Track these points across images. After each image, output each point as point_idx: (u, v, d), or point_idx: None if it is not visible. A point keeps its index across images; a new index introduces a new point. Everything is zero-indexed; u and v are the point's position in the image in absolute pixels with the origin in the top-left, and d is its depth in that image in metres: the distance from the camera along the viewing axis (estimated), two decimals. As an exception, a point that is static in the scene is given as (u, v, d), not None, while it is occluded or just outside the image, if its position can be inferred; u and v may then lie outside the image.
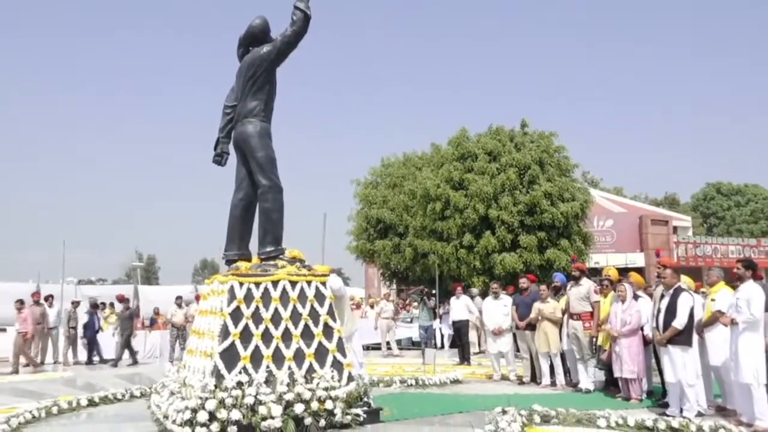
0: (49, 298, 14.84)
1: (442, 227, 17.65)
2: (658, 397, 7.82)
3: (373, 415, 6.11)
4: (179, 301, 15.20)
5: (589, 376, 8.78)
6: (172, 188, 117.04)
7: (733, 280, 6.81)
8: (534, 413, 6.11)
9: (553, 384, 9.26)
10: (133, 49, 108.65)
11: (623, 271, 19.30)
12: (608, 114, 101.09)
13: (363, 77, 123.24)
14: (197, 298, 15.69)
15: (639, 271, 21.06)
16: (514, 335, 10.10)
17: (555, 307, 9.37)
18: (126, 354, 14.33)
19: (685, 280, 7.55)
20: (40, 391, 9.33)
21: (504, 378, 10.13)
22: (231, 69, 7.11)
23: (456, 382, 9.65)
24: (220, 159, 7.12)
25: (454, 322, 13.37)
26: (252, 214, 6.95)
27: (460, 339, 13.21)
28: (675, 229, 24.13)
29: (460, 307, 13.34)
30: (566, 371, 9.41)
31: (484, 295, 16.18)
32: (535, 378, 9.65)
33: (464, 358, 12.83)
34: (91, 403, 7.73)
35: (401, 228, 20.56)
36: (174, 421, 5.43)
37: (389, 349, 15.12)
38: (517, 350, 10.16)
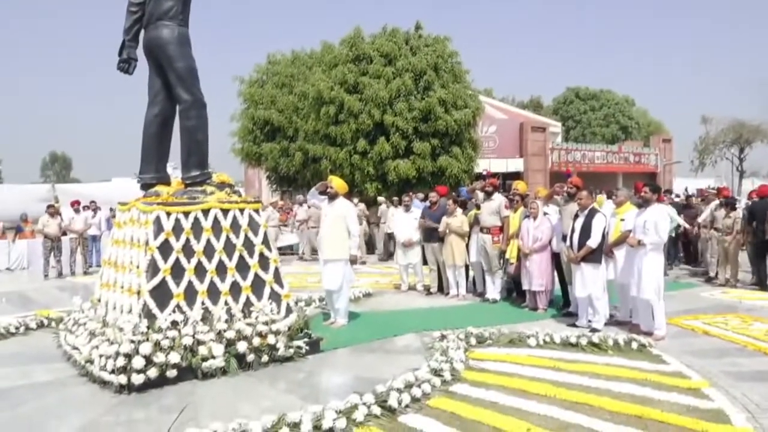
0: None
1: (336, 132, 17.16)
2: (560, 306, 8.43)
3: (315, 346, 5.97)
4: (51, 210, 13.67)
5: (495, 287, 9.24)
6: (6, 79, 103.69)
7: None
8: (470, 335, 6.29)
9: (458, 294, 9.65)
10: None
11: (507, 177, 20.09)
12: (479, 16, 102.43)
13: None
14: (73, 204, 14.38)
15: (519, 176, 22.19)
16: (422, 247, 10.30)
17: (462, 221, 9.59)
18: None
19: (599, 200, 7.96)
20: None
21: (411, 288, 10.41)
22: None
23: (368, 295, 9.78)
24: (127, 65, 6.06)
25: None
26: (169, 131, 6.17)
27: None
28: (548, 135, 25.41)
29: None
30: (473, 282, 9.85)
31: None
32: (441, 288, 10.00)
33: None
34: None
35: (291, 131, 19.73)
36: (103, 367, 4.91)
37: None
38: (425, 262, 10.40)
